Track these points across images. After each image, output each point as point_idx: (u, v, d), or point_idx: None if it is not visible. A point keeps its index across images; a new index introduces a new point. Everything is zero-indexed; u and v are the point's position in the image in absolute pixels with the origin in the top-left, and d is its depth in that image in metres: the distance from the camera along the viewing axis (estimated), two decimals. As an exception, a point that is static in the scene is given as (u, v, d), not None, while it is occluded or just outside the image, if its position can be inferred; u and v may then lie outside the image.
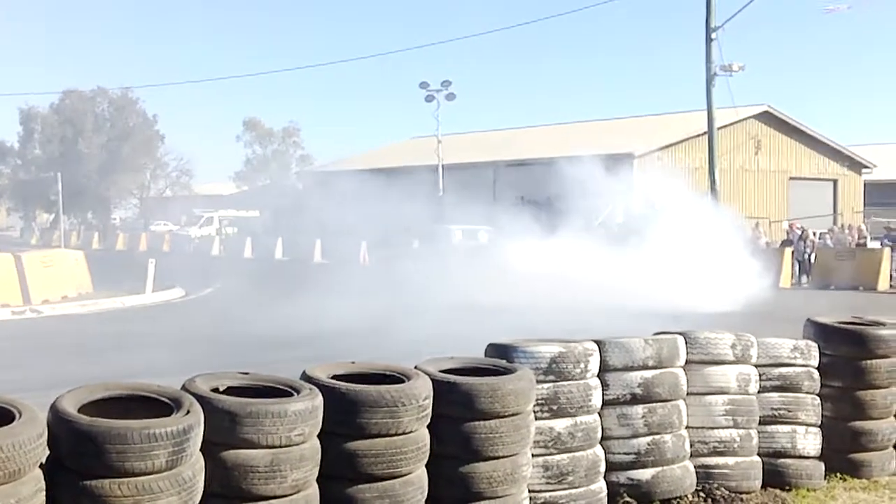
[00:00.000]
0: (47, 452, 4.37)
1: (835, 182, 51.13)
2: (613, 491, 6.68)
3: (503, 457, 5.73)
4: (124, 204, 75.48)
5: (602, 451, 6.61)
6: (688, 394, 7.05)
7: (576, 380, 6.47)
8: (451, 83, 47.50)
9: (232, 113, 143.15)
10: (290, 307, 18.92)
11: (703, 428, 7.15)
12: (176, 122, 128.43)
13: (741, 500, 7.04)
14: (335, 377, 5.52)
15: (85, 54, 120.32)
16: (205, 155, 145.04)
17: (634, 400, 6.79)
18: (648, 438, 6.80)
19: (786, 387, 7.53)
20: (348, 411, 5.25)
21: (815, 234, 32.32)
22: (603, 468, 6.59)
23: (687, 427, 7.03)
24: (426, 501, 5.52)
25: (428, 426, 5.53)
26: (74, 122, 65.10)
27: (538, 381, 6.23)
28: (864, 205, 50.73)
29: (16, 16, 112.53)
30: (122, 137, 65.88)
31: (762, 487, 7.30)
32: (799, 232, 32.36)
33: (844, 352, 7.74)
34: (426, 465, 5.53)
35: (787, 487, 7.39)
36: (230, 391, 5.18)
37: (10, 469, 4.05)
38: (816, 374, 7.66)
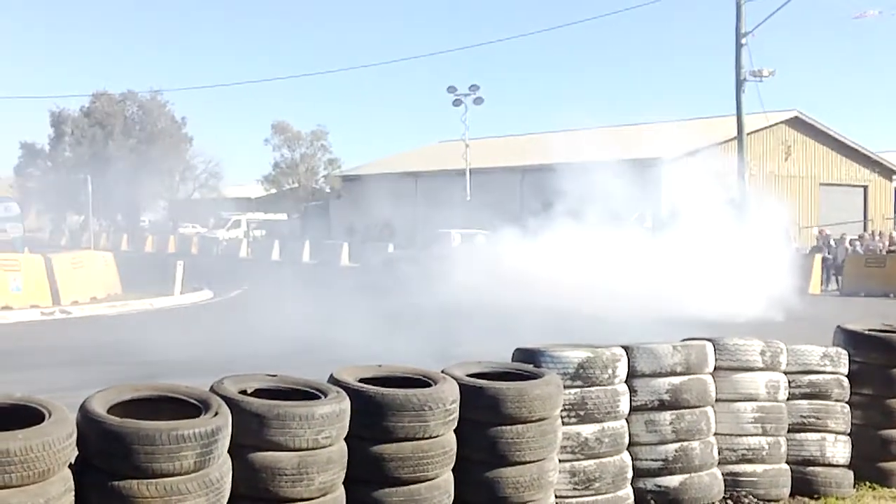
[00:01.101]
0: (76, 453, 4.40)
1: (865, 188, 50.76)
2: (640, 497, 6.65)
3: (530, 462, 5.72)
4: (153, 206, 75.88)
5: (629, 458, 6.59)
6: (716, 400, 7.01)
7: (603, 385, 6.44)
8: (478, 87, 47.56)
9: (260, 116, 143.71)
10: (312, 310, 19.07)
11: (731, 435, 7.11)
12: (205, 124, 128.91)
13: (769, 508, 7.00)
14: (362, 380, 5.52)
15: (115, 57, 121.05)
16: (233, 158, 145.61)
17: (662, 406, 6.75)
18: (676, 445, 6.76)
19: (815, 394, 7.47)
20: (375, 415, 5.25)
21: (849, 240, 32.10)
22: (630, 474, 6.56)
23: (715, 434, 7.00)
24: (452, 506, 5.52)
25: (455, 430, 5.52)
26: (104, 125, 65.51)
27: (565, 387, 6.21)
28: (895, 211, 50.30)
29: (47, 19, 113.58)
30: (151, 140, 66.26)
31: (790, 495, 7.26)
32: (828, 237, 32.17)
33: (874, 359, 7.68)
34: (452, 470, 5.52)
35: (816, 496, 7.34)
36: (258, 393, 5.20)
37: (40, 469, 4.08)
38: (846, 382, 7.60)
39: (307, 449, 4.89)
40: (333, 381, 5.45)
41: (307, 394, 5.22)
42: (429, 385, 5.53)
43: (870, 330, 7.99)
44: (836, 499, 7.34)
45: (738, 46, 32.30)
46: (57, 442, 4.16)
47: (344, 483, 5.12)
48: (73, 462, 4.38)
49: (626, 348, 6.71)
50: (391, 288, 23.37)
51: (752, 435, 7.14)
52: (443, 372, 5.84)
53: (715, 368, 7.02)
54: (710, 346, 7.03)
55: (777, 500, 7.13)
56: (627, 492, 6.53)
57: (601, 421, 6.40)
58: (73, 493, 4.29)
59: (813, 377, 7.47)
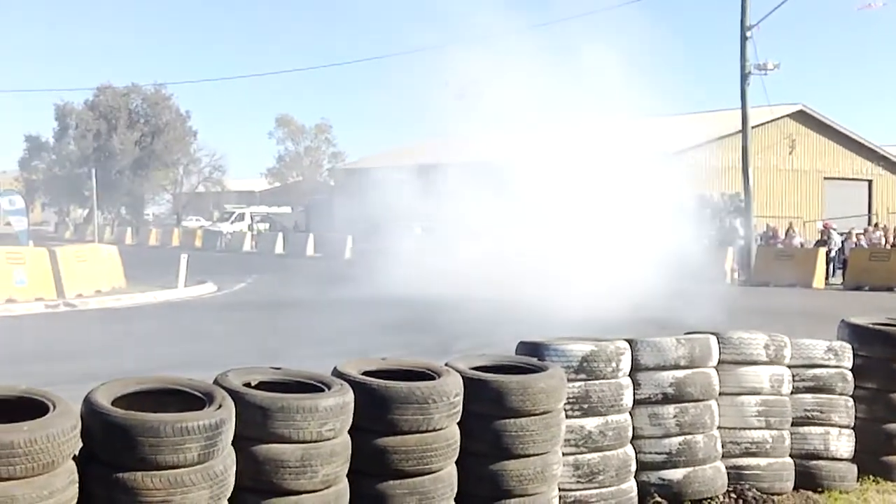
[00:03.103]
0: (80, 445, 4.40)
1: (870, 182, 50.62)
2: (644, 491, 6.65)
3: (533, 455, 5.71)
4: (157, 199, 76.05)
5: (633, 451, 6.58)
6: (720, 394, 7.00)
7: (607, 379, 6.44)
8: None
9: (264, 109, 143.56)
10: (313, 303, 19.21)
11: (735, 428, 7.09)
12: (209, 118, 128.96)
13: (773, 501, 6.99)
14: (366, 373, 5.52)
15: (119, 51, 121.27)
16: (237, 151, 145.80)
17: (666, 399, 6.75)
18: (680, 438, 6.76)
19: (819, 388, 7.46)
20: (379, 407, 5.25)
21: (856, 235, 32.07)
22: (634, 468, 6.56)
23: (719, 427, 6.98)
24: (456, 498, 5.52)
25: (458, 423, 5.52)
26: (108, 118, 65.57)
27: (569, 380, 6.20)
28: (901, 205, 50.17)
29: (52, 13, 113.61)
30: (156, 133, 66.32)
31: (794, 489, 7.24)
32: (834, 232, 32.13)
33: (879, 353, 7.66)
34: (456, 463, 5.52)
35: (820, 489, 7.32)
36: (262, 386, 5.20)
37: (44, 461, 4.09)
38: (850, 376, 7.59)
39: (311, 441, 4.89)
40: (337, 373, 5.45)
41: (311, 386, 5.22)
42: (433, 378, 5.53)
43: (874, 324, 7.98)
44: (840, 492, 7.33)
45: (743, 39, 32.15)
46: (61, 434, 4.16)
47: (347, 475, 5.12)
48: (77, 454, 4.38)
49: (630, 342, 6.70)
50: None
51: (755, 428, 7.12)
52: (446, 365, 5.84)
53: (719, 362, 7.01)
54: (714, 340, 7.02)
55: (780, 494, 7.12)
56: (631, 485, 6.53)
57: (605, 414, 6.40)
58: (77, 485, 4.29)
59: (817, 371, 7.46)
